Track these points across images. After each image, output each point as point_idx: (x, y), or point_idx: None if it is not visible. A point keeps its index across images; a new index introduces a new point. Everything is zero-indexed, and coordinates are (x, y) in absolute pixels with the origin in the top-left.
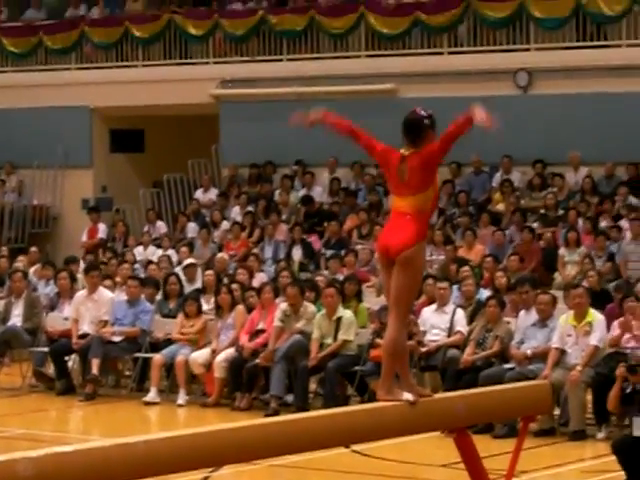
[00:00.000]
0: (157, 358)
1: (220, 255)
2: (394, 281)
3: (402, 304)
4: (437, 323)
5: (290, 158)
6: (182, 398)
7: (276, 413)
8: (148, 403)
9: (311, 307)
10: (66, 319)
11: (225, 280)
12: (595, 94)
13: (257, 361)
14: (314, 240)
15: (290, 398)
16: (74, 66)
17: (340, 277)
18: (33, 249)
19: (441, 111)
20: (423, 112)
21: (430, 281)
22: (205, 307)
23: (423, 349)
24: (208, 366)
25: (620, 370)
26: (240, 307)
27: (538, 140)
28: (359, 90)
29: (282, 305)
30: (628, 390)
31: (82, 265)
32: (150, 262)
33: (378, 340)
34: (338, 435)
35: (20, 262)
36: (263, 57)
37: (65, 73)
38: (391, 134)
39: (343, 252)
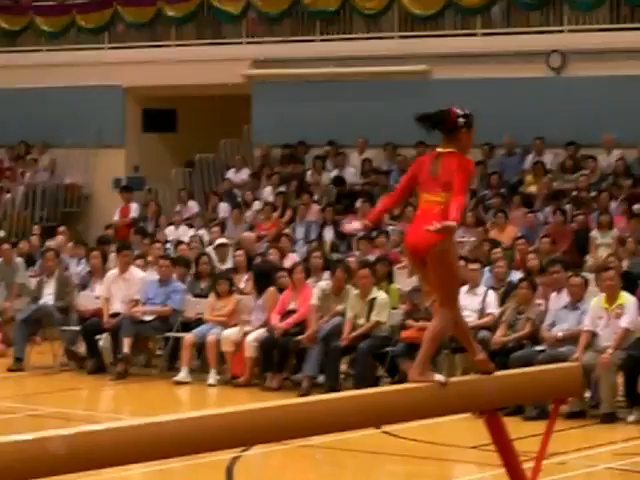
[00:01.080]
0: (188, 338)
1: (247, 234)
2: (432, 276)
3: (445, 294)
4: (468, 305)
5: (322, 139)
6: (213, 378)
7: (308, 393)
8: (179, 382)
9: (353, 290)
10: (97, 298)
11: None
12: (629, 77)
13: (298, 338)
14: (351, 221)
15: (321, 379)
16: (107, 45)
17: (371, 258)
18: (62, 228)
19: (473, 92)
20: (459, 110)
21: (462, 263)
22: (239, 286)
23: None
24: (238, 345)
25: None
26: (271, 288)
27: (571, 122)
28: (391, 71)
29: (321, 283)
30: None
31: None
32: (180, 242)
33: (409, 321)
34: (368, 416)
35: (54, 241)
36: (296, 37)
37: (98, 52)
38: (424, 111)
39: (374, 233)
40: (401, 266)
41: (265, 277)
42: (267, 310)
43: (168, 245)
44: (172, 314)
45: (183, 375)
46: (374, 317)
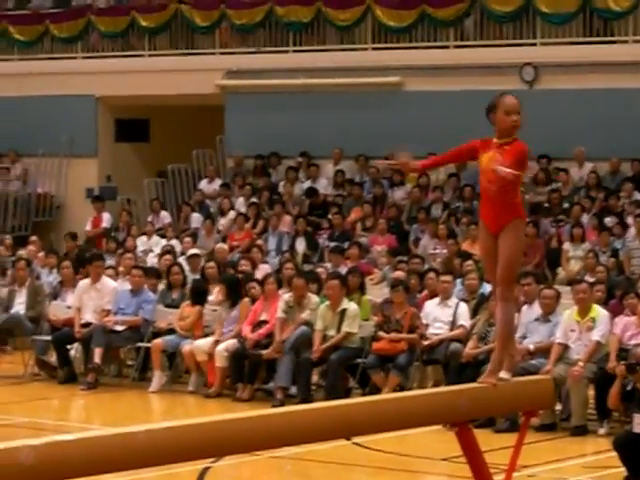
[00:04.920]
0: (156, 342)
1: (219, 245)
2: (500, 251)
3: (509, 275)
4: (440, 317)
5: (295, 150)
6: (193, 384)
7: (282, 404)
8: (153, 392)
9: (315, 298)
10: (69, 308)
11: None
12: (601, 90)
13: (264, 352)
14: (322, 235)
15: (293, 390)
16: (80, 55)
17: (343, 270)
18: (33, 238)
19: (446, 105)
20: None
21: (433, 275)
22: (210, 298)
23: (426, 342)
24: (211, 355)
25: (620, 368)
26: (245, 299)
27: (543, 135)
28: (365, 83)
29: (285, 296)
30: (629, 387)
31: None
32: (168, 252)
33: (381, 333)
34: (339, 427)
35: (25, 250)
36: (269, 48)
37: (71, 62)
38: (396, 127)
39: (346, 244)
40: (372, 277)
41: (237, 288)
42: (240, 321)
43: (140, 255)
44: (143, 324)
45: (156, 380)
46: (345, 328)
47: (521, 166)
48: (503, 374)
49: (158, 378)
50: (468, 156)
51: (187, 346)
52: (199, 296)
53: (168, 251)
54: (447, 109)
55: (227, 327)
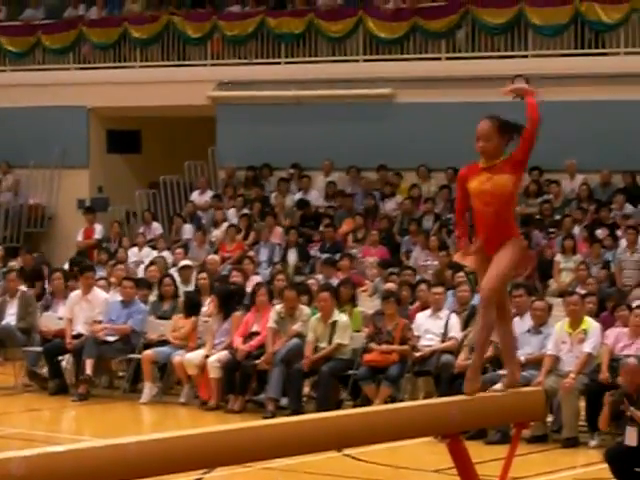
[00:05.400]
0: (147, 354)
1: (211, 257)
2: (495, 260)
3: (497, 285)
4: (431, 328)
5: (286, 161)
6: (185, 396)
7: (273, 416)
8: (144, 403)
9: (306, 309)
10: (60, 319)
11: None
12: (593, 102)
13: (257, 362)
14: (314, 247)
15: (284, 401)
16: (72, 66)
17: (334, 281)
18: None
19: (438, 117)
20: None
21: (424, 286)
22: (202, 309)
23: (417, 354)
24: (202, 368)
25: (608, 399)
26: (238, 312)
27: (535, 147)
28: (356, 94)
29: (277, 307)
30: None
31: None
32: (152, 263)
33: (372, 344)
34: (330, 438)
35: (16, 261)
36: (261, 60)
37: (63, 73)
38: (388, 138)
39: (338, 256)
40: (364, 289)
41: (229, 300)
42: (232, 333)
43: (131, 266)
44: (134, 335)
45: (148, 392)
46: (336, 340)
47: (520, 168)
48: (498, 386)
49: (149, 389)
50: (466, 192)
51: (178, 358)
52: (193, 308)
53: (152, 262)
54: (439, 121)
55: (219, 339)
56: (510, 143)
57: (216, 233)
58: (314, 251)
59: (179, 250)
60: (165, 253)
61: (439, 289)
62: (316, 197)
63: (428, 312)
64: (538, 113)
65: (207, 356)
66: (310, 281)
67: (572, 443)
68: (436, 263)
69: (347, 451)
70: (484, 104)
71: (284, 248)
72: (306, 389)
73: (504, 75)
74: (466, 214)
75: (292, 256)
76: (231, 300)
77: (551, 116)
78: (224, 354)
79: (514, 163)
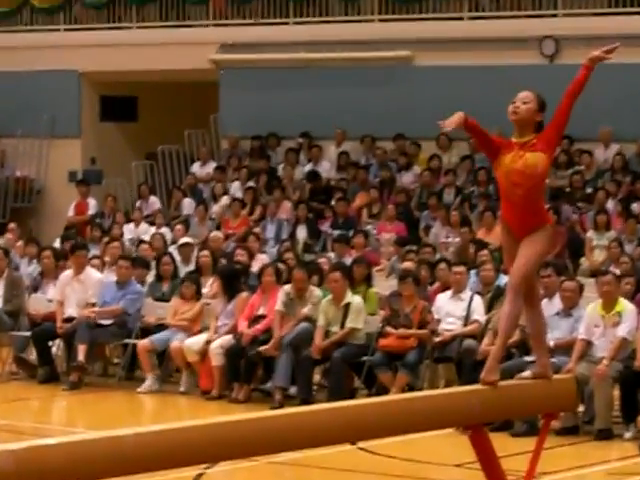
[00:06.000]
0: (143, 343)
1: (214, 234)
2: (522, 247)
3: (524, 272)
4: (452, 311)
5: (295, 130)
6: (184, 384)
7: (281, 406)
8: (142, 392)
9: (317, 291)
10: (50, 301)
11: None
12: (628, 65)
13: (261, 349)
14: (325, 223)
15: (293, 390)
16: (62, 27)
17: (347, 260)
18: (12, 225)
19: (459, 80)
20: None
21: (445, 265)
22: (203, 290)
23: (437, 339)
24: (203, 355)
25: None
26: (244, 293)
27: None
28: (371, 57)
29: (286, 287)
30: None
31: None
32: (141, 241)
33: (388, 328)
34: (343, 430)
35: (3, 239)
36: (267, 20)
37: (52, 34)
38: (405, 105)
39: (351, 233)
40: (380, 268)
41: (233, 280)
42: (237, 317)
43: (127, 244)
44: (130, 319)
45: (149, 383)
46: (349, 324)
47: (553, 144)
48: (525, 374)
49: (150, 381)
50: (490, 147)
51: (177, 343)
52: (231, 283)
53: (150, 240)
54: (461, 86)
55: (222, 322)
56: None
57: (217, 208)
58: (325, 227)
59: (179, 226)
60: (164, 229)
61: (461, 268)
62: (327, 169)
63: (449, 293)
64: (582, 88)
65: (209, 342)
66: (321, 260)
67: (605, 435)
68: (457, 240)
69: (361, 444)
70: (510, 67)
71: (293, 224)
72: (317, 377)
73: (532, 36)
74: (475, 134)
75: (301, 233)
76: (235, 280)
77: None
78: (227, 339)
79: (548, 138)
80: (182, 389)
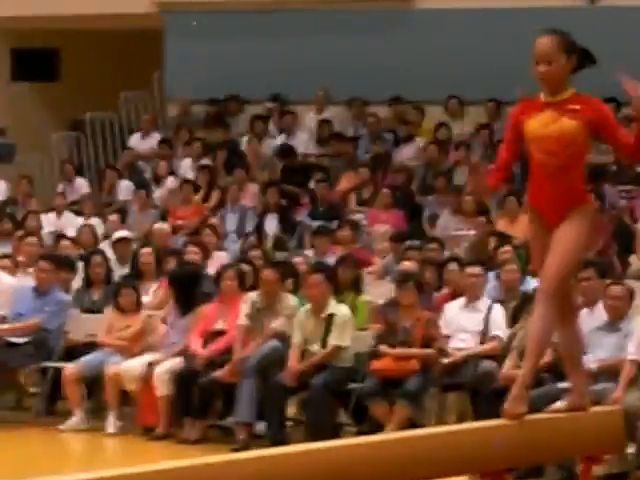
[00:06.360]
0: (69, 369)
1: (159, 226)
2: (556, 239)
3: (560, 274)
4: (466, 324)
5: (263, 91)
6: (113, 424)
7: (245, 447)
8: (67, 430)
9: (291, 299)
10: None
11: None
12: None
13: (218, 374)
14: (301, 212)
15: (261, 427)
16: None
17: (331, 259)
18: None
19: (473, 28)
20: None
21: (456, 266)
22: (144, 299)
23: (446, 360)
24: (146, 383)
25: None
26: (204, 306)
27: (608, 68)
28: None
29: (251, 295)
30: None
31: None
32: (65, 236)
33: (383, 347)
34: (326, 477)
35: None
36: None
37: None
38: (404, 59)
39: (335, 224)
40: (371, 270)
41: (189, 288)
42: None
43: (47, 239)
44: (52, 337)
45: (75, 419)
46: (332, 341)
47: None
48: (558, 405)
49: (78, 418)
50: (519, 137)
51: (112, 367)
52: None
53: (65, 235)
54: (475, 35)
55: (171, 340)
56: (578, 72)
57: (162, 192)
58: (302, 217)
59: (113, 216)
60: (94, 220)
61: (476, 269)
62: (304, 141)
63: (461, 302)
64: None
65: (152, 364)
66: (297, 259)
67: None
68: (472, 233)
69: None
70: (538, 11)
71: (260, 213)
72: (291, 410)
73: None
74: (512, 164)
75: (271, 224)
76: (192, 288)
77: (632, 26)
78: (177, 362)
79: (593, 118)
80: (110, 430)
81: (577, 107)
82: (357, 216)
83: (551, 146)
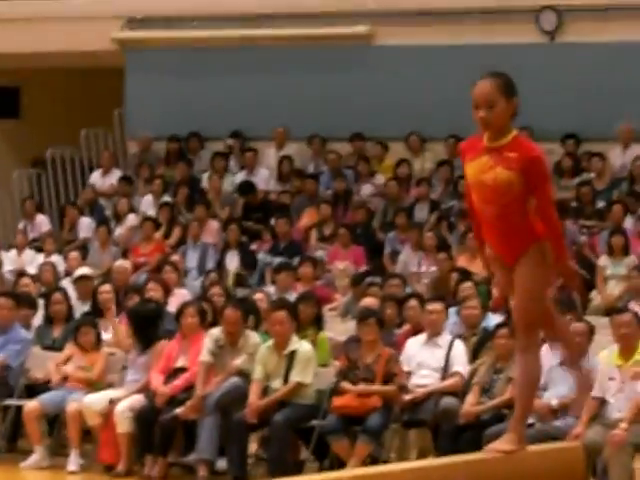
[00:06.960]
0: (30, 406)
1: (120, 263)
2: (518, 285)
3: (530, 319)
4: (427, 360)
5: (224, 129)
6: (74, 462)
7: None
8: (28, 468)
9: (254, 337)
10: None
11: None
12: None
13: (179, 411)
14: (262, 248)
15: (222, 464)
16: None
17: (292, 296)
18: None
19: (434, 65)
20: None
21: (416, 302)
22: (104, 336)
23: (407, 397)
24: (107, 419)
25: None
26: (163, 341)
27: (570, 106)
28: (323, 35)
29: (213, 332)
30: None
31: None
32: (25, 274)
33: (345, 384)
34: None
35: None
36: None
37: None
38: (365, 96)
39: (296, 261)
40: (333, 307)
41: (149, 325)
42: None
43: (8, 276)
44: (12, 374)
45: (37, 457)
46: (294, 377)
47: (542, 180)
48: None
49: (38, 454)
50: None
51: (74, 404)
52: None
53: (22, 273)
54: (437, 71)
55: (131, 377)
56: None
57: (123, 230)
58: (263, 254)
59: (74, 253)
60: (54, 258)
61: (437, 306)
62: (265, 178)
63: (422, 338)
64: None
65: (112, 401)
66: (258, 296)
67: None
68: (433, 269)
69: None
70: (499, 47)
71: (221, 250)
72: (252, 447)
73: (527, 7)
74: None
75: (232, 261)
76: (152, 325)
77: (591, 63)
78: (138, 399)
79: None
80: (72, 468)
81: (513, 155)
82: (318, 253)
83: (487, 194)
